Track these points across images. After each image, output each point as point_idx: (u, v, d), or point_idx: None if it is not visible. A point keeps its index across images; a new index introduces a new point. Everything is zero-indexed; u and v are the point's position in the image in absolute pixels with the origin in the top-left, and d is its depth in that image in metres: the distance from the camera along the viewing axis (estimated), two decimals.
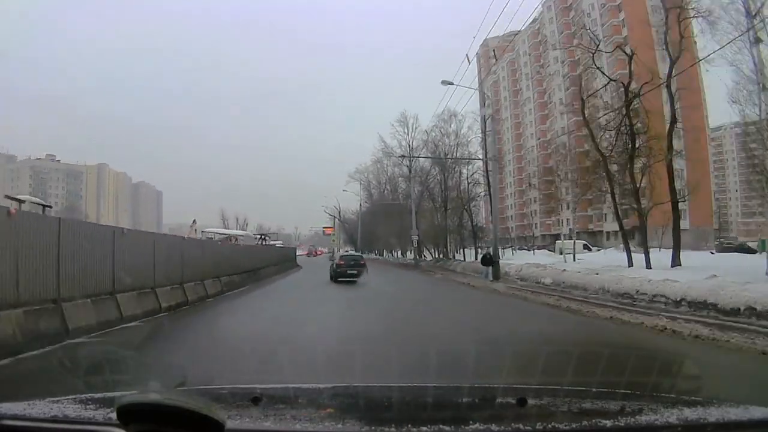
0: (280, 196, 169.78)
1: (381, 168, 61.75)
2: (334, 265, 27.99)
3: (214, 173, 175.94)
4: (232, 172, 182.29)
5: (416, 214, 45.32)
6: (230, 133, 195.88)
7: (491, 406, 1.95)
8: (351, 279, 25.44)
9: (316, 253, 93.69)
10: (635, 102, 22.83)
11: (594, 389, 2.19)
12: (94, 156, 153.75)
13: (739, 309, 10.86)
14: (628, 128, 23.05)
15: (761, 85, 18.52)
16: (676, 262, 21.41)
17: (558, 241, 52.14)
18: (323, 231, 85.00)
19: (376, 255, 77.66)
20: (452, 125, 47.19)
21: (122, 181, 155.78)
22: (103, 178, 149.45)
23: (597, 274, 18.80)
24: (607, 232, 63.92)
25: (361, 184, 67.38)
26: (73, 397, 1.79)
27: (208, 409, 1.25)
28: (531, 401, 1.83)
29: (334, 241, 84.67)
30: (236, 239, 45.18)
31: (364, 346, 7.25)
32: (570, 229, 65.63)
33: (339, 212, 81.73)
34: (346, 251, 45.07)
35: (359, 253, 37.38)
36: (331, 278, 26.82)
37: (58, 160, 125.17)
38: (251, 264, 27.49)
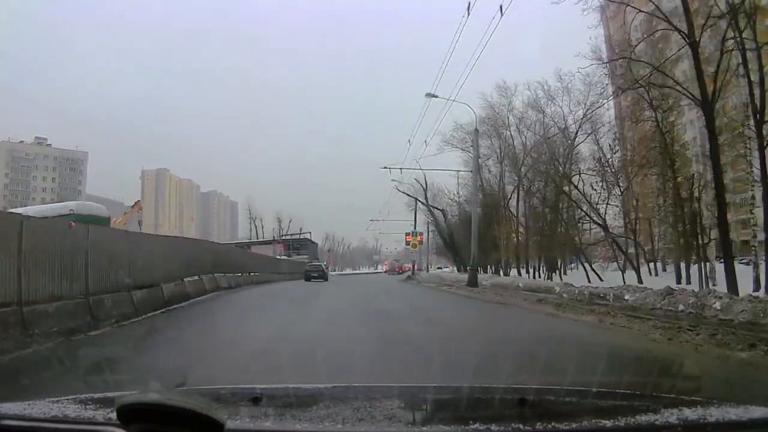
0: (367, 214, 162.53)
1: (498, 116, 34.65)
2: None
3: (302, 190, 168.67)
4: (324, 188, 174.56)
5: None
6: (323, 150, 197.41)
7: (491, 406, 1.95)
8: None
9: (399, 269, 75.37)
10: None
11: (594, 389, 2.18)
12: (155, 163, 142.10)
13: None
14: None
15: None
16: None
17: None
18: (405, 240, 56.02)
19: (502, 272, 39.03)
20: None
21: (188, 189, 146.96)
22: (162, 184, 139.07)
23: None
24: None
25: (463, 151, 38.24)
26: (73, 397, 1.79)
27: (208, 409, 1.25)
28: (531, 401, 1.82)
29: (415, 247, 52.50)
30: None
31: None
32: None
33: (425, 191, 45.78)
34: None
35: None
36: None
37: (49, 144, 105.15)
38: None
